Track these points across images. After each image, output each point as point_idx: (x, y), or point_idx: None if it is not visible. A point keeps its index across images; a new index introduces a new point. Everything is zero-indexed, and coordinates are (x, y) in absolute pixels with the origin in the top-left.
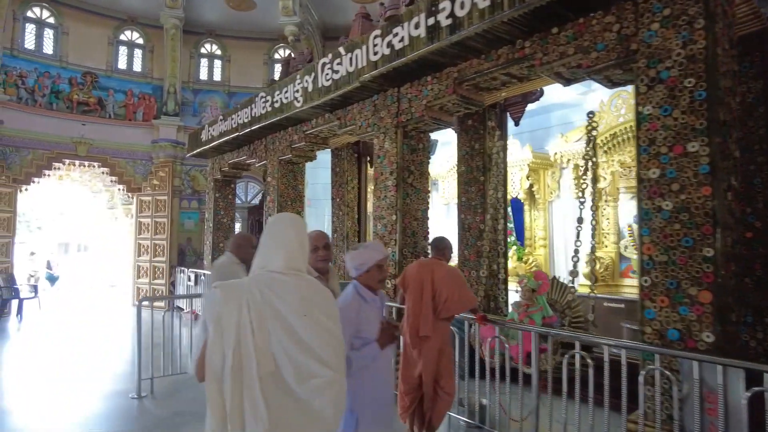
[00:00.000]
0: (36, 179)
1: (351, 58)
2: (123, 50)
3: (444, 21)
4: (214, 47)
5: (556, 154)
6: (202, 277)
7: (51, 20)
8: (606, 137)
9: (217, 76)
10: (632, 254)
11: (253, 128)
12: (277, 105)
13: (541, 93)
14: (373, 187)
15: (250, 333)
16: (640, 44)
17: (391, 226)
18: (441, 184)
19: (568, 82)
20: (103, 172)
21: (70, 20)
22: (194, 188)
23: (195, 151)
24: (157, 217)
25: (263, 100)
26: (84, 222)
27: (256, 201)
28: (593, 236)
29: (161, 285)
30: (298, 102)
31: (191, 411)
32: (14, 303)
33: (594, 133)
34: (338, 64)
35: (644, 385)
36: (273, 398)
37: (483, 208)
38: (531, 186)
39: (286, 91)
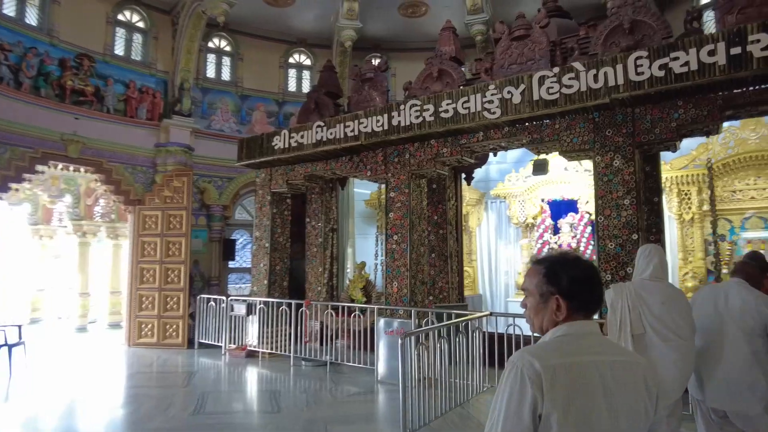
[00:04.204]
0: (14, 185)
1: (596, 75)
2: (121, 33)
3: (757, 52)
4: (223, 43)
5: (665, 180)
6: (261, 305)
7: None
8: (717, 166)
9: (226, 75)
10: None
11: (390, 137)
12: (447, 115)
13: None
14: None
15: (627, 311)
16: None
17: (631, 245)
18: (512, 204)
19: None
20: (96, 180)
21: None
22: (203, 202)
23: (259, 160)
24: (170, 235)
25: (415, 108)
26: None
27: None
28: None
29: (176, 318)
30: (492, 113)
31: None
32: None
33: None
34: (571, 78)
35: None
36: (640, 349)
37: (658, 228)
38: None
39: (465, 101)
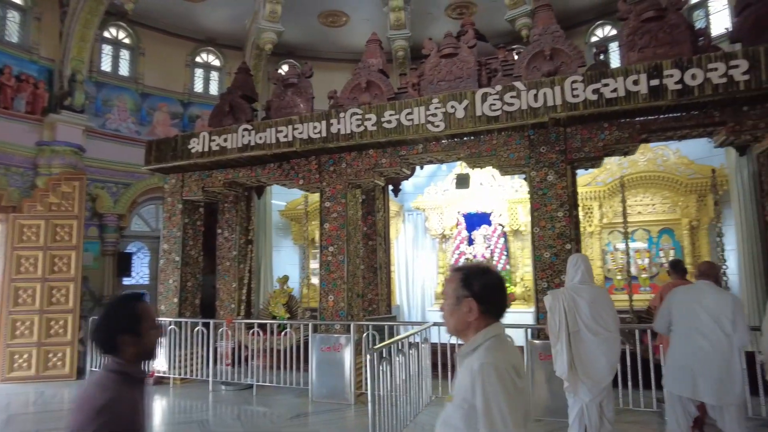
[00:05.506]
0: None
1: (536, 95)
2: None
3: (671, 85)
4: (122, 34)
5: None
6: (172, 326)
7: None
8: (615, 184)
9: (124, 70)
10: (614, 275)
11: (328, 145)
12: (390, 125)
13: None
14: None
15: (564, 313)
16: None
17: (565, 254)
18: (430, 216)
19: (728, 146)
20: None
21: None
22: (95, 210)
23: (172, 164)
24: (56, 248)
25: (356, 117)
26: None
27: None
28: None
29: (63, 344)
30: (436, 126)
31: None
32: None
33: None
34: (513, 97)
35: None
36: (576, 344)
37: (576, 239)
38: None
39: (409, 113)
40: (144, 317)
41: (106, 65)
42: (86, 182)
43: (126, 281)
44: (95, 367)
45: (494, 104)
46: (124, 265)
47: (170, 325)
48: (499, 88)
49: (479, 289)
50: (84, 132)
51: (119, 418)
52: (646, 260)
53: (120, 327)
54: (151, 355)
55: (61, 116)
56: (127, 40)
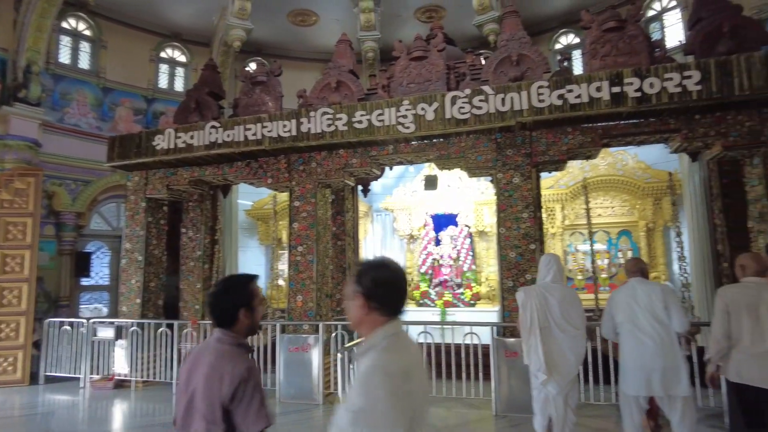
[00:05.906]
0: None
1: (503, 99)
2: None
3: (631, 93)
4: (82, 25)
5: None
6: (134, 327)
7: None
8: (577, 186)
9: (85, 63)
10: (574, 275)
11: (298, 144)
12: (360, 126)
13: None
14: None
15: (536, 310)
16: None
17: (530, 254)
18: (399, 217)
19: (682, 152)
20: None
21: None
22: (52, 208)
23: (136, 161)
24: (8, 248)
25: (327, 116)
26: None
27: None
28: None
29: (15, 348)
30: (406, 128)
31: None
32: None
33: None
34: (481, 101)
35: None
36: (546, 339)
37: (540, 239)
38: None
39: (380, 114)
40: (256, 294)
41: (64, 57)
42: (42, 178)
43: (84, 281)
44: (52, 372)
45: (463, 107)
46: (82, 264)
47: (132, 326)
48: (468, 91)
49: (368, 285)
50: (40, 126)
51: (259, 382)
52: (606, 261)
53: (241, 302)
54: (258, 328)
55: (15, 109)
56: (87, 32)
